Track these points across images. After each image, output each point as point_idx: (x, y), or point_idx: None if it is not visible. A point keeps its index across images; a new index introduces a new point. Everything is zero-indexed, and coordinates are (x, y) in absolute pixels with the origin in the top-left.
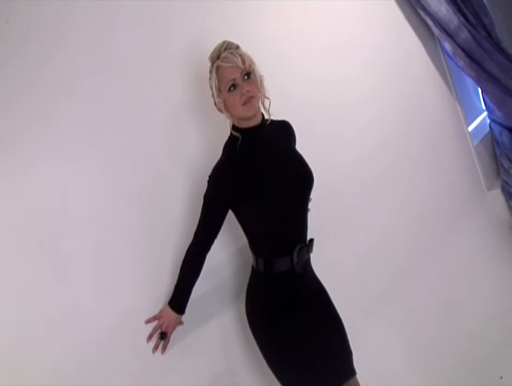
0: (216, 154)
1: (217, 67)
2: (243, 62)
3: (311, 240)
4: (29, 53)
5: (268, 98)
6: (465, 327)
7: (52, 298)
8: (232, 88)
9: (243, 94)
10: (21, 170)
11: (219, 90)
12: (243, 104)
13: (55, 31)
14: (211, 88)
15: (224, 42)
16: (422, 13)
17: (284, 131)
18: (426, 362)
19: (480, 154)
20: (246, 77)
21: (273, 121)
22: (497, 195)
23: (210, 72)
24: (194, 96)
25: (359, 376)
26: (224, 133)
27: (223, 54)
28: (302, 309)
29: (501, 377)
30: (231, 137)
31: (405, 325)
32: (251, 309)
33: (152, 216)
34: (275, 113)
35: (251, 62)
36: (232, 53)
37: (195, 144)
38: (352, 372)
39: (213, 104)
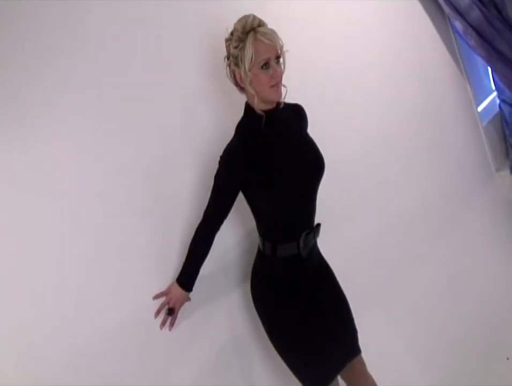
0: (227, 134)
1: (255, 40)
2: (281, 47)
3: (318, 225)
4: (44, 45)
5: (285, 87)
6: (472, 309)
7: (60, 285)
8: (264, 66)
9: (273, 76)
10: (27, 153)
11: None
12: (272, 86)
13: (68, 15)
14: (238, 58)
15: (253, 16)
16: None
17: (297, 115)
18: (432, 344)
19: (489, 134)
20: (276, 60)
21: (286, 105)
22: (505, 177)
23: (242, 40)
24: (205, 77)
25: (364, 355)
26: (236, 114)
27: (262, 30)
28: (306, 289)
29: (507, 358)
30: (245, 118)
31: (411, 307)
32: (257, 289)
33: (161, 196)
34: (287, 96)
35: (282, 47)
36: (272, 31)
37: (206, 124)
38: (357, 350)
39: (228, 75)
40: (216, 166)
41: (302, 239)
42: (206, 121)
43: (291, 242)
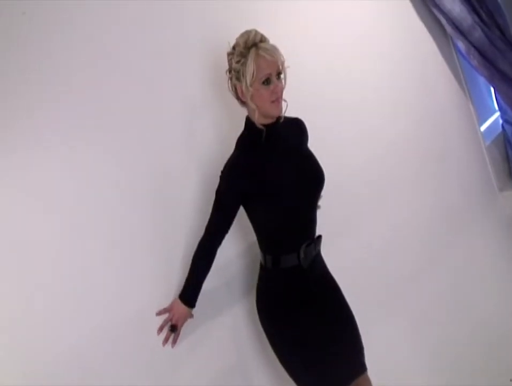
0: (229, 148)
1: (257, 55)
2: (282, 63)
3: (319, 236)
4: (46, 44)
5: (285, 101)
6: (475, 329)
7: (61, 290)
8: (266, 82)
9: (274, 92)
10: (36, 166)
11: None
12: (272, 101)
13: (71, 24)
14: (240, 73)
15: (255, 31)
16: (435, 11)
17: (297, 129)
18: (434, 363)
19: (492, 154)
20: (277, 76)
21: (286, 119)
22: (509, 197)
23: (244, 56)
24: (207, 90)
25: (369, 372)
26: (238, 127)
27: (264, 45)
28: (312, 304)
29: (510, 380)
30: (245, 132)
31: (413, 326)
32: (261, 305)
33: (164, 209)
34: (287, 110)
35: (284, 63)
36: (274, 47)
37: (208, 138)
38: (363, 368)
39: (230, 89)
40: (218, 180)
41: (302, 250)
42: (208, 136)
43: (292, 253)
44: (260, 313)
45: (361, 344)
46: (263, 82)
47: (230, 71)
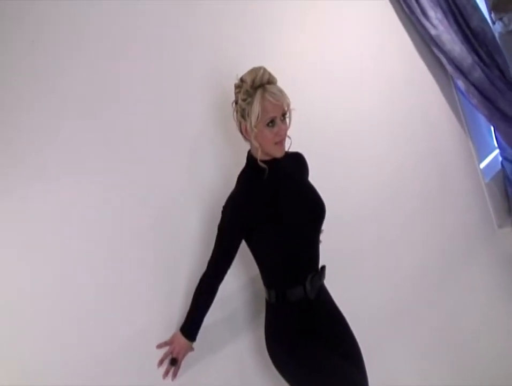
0: (231, 182)
1: (262, 98)
2: (288, 105)
3: (323, 267)
4: (54, 72)
5: (290, 138)
6: (475, 366)
7: (61, 315)
8: (270, 124)
9: (278, 134)
10: (42, 197)
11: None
12: (276, 143)
13: (79, 57)
14: (245, 112)
15: (263, 70)
16: (436, 51)
17: (297, 163)
18: None
19: (491, 191)
20: (282, 117)
21: (287, 153)
22: (508, 233)
23: (250, 95)
24: (212, 124)
25: None
26: (240, 161)
27: (271, 88)
28: (321, 335)
29: None
30: (247, 168)
31: (412, 359)
32: (271, 342)
33: (167, 241)
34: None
35: (289, 105)
36: (280, 91)
37: (211, 172)
38: None
39: (235, 123)
40: (220, 215)
41: (308, 282)
42: (213, 169)
43: (297, 286)
44: (272, 354)
45: (366, 374)
46: (268, 124)
47: (236, 102)
